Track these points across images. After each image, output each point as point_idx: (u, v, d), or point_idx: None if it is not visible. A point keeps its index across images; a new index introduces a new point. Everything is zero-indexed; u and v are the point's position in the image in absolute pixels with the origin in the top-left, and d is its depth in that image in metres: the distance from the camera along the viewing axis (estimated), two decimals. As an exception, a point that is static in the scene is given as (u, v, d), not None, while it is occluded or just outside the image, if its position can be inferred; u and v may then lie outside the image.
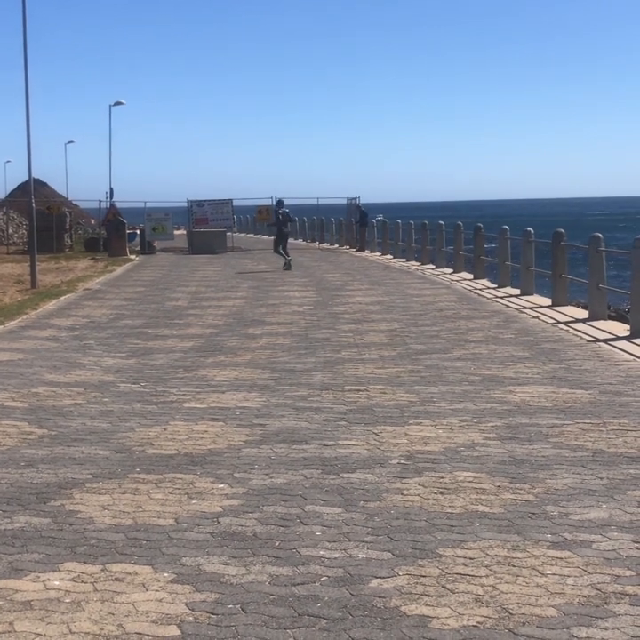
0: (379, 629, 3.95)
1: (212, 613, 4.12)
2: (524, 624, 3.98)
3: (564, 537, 5.00)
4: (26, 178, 25.79)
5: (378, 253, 34.42)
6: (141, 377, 10.20)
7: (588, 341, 12.33)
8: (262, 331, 13.86)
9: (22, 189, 59.20)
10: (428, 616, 4.06)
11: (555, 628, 3.94)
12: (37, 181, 57.57)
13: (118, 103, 47.96)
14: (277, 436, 7.33)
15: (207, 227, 38.15)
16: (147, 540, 5.04)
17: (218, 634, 3.93)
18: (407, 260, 29.76)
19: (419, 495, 5.77)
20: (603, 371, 10.09)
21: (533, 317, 14.96)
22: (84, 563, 4.73)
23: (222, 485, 6.02)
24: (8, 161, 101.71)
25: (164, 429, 7.64)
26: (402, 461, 6.55)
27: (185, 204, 39.23)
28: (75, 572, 4.61)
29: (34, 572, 4.62)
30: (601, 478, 6.07)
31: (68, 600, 4.28)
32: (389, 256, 32.54)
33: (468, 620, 4.02)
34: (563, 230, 17.27)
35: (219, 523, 5.31)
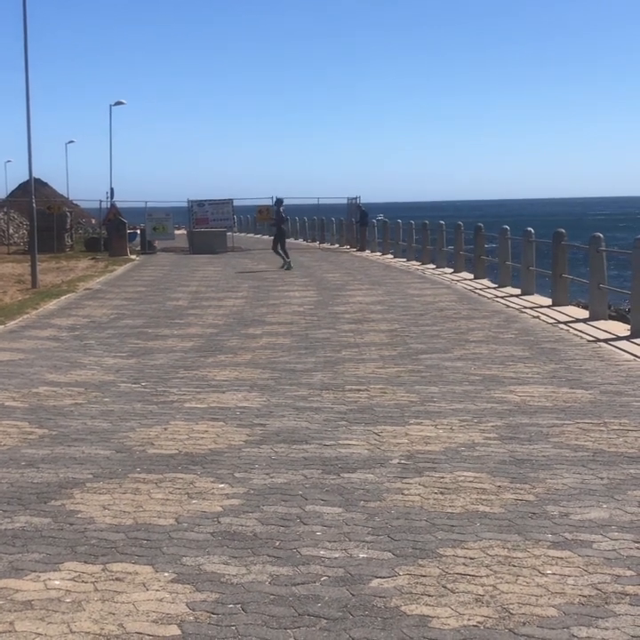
0: (379, 629, 3.95)
1: (213, 613, 4.12)
2: (524, 624, 3.98)
3: (565, 537, 5.00)
4: (26, 178, 25.81)
5: (378, 253, 34.41)
6: (142, 377, 10.21)
7: (589, 341, 12.33)
8: (262, 330, 13.86)
9: (23, 189, 59.25)
10: (429, 616, 4.06)
11: (555, 627, 3.94)
12: (38, 181, 57.58)
13: (119, 103, 48.01)
14: (278, 436, 7.33)
15: (208, 227, 38.16)
16: (147, 540, 5.04)
17: (218, 633, 3.94)
18: (408, 260, 29.75)
19: (419, 495, 5.77)
20: (603, 370, 10.09)
21: (534, 317, 14.96)
22: (85, 562, 4.73)
23: (223, 485, 6.03)
24: (9, 161, 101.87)
25: (165, 429, 7.64)
26: (402, 461, 6.55)
27: (185, 204, 39.23)
28: (75, 571, 4.62)
29: (34, 571, 4.62)
30: (601, 478, 6.07)
31: (68, 600, 4.28)
32: (390, 256, 32.54)
33: (469, 619, 4.02)
34: (563, 230, 17.27)
35: (219, 522, 5.31)
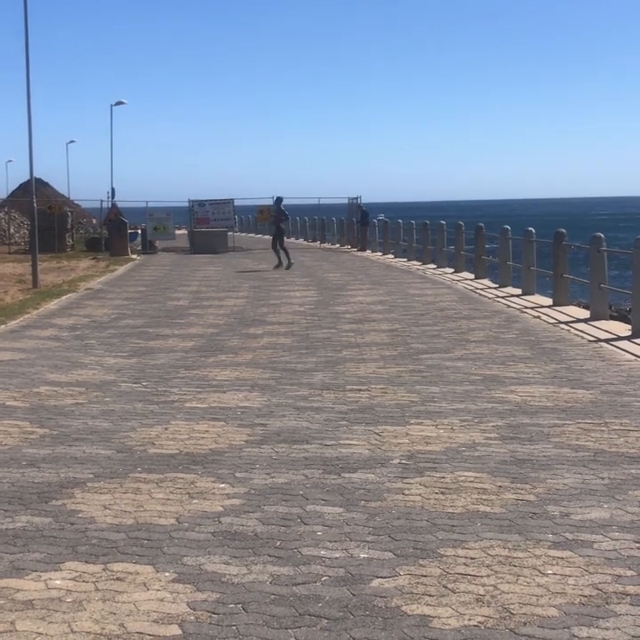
0: (380, 629, 3.95)
1: (214, 613, 4.12)
2: (525, 624, 3.98)
3: (566, 537, 5.00)
4: (27, 177, 25.82)
5: (379, 253, 34.41)
6: (143, 376, 10.21)
7: (590, 341, 12.33)
8: (263, 330, 13.86)
9: (24, 189, 59.24)
10: (429, 616, 4.06)
11: (556, 627, 3.94)
12: (39, 181, 57.58)
13: (120, 103, 48.06)
14: (278, 436, 7.33)
15: (208, 226, 38.17)
16: (148, 540, 5.04)
17: (219, 633, 3.94)
18: (408, 260, 29.75)
19: (420, 495, 5.77)
20: (604, 371, 10.09)
21: (535, 317, 14.95)
22: (86, 562, 4.73)
23: (223, 485, 6.03)
24: (9, 160, 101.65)
25: (166, 429, 7.64)
26: (403, 461, 6.55)
27: (186, 204, 39.24)
28: (76, 571, 4.62)
29: (35, 571, 4.62)
30: (602, 478, 6.07)
31: (69, 599, 4.28)
32: (390, 256, 32.54)
33: (469, 619, 4.02)
34: (564, 230, 17.28)
35: (220, 522, 5.31)
